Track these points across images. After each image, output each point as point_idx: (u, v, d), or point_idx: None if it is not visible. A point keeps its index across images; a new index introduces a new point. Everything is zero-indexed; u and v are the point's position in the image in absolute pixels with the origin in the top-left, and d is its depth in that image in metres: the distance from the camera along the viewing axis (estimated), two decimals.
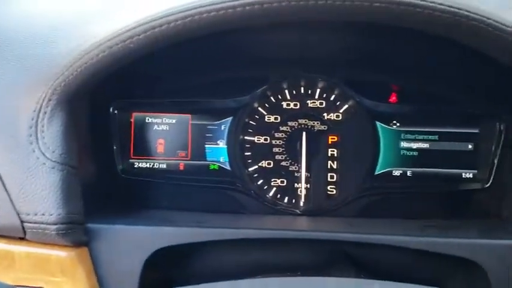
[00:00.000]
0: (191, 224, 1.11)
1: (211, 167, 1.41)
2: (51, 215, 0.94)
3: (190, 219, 1.20)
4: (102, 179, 1.27)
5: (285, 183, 1.40)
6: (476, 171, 1.37)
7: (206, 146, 1.41)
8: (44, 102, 0.97)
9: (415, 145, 1.38)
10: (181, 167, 1.41)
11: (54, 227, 0.94)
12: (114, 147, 1.36)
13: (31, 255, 0.99)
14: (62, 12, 1.07)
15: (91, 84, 0.99)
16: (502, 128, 1.32)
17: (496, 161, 1.33)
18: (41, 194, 0.95)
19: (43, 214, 0.95)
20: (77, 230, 0.99)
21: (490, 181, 1.34)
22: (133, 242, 1.03)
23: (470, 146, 1.37)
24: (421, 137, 1.38)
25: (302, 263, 1.16)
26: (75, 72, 0.95)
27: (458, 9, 0.87)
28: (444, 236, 1.08)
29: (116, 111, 1.35)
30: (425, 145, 1.38)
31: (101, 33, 0.94)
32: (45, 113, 0.97)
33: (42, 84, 0.97)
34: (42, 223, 0.95)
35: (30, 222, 0.95)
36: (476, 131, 1.37)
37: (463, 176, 1.38)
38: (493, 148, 1.33)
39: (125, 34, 0.90)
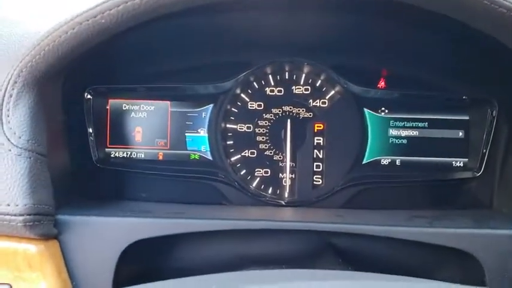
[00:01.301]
0: (169, 215, 1.05)
1: (192, 156, 1.35)
2: (16, 205, 0.87)
3: (169, 211, 1.13)
4: (76, 169, 1.20)
5: (269, 173, 1.35)
6: (467, 159, 1.34)
7: (186, 134, 1.35)
8: (10, 84, 0.90)
9: (404, 133, 1.34)
10: (160, 157, 1.35)
11: (21, 218, 0.87)
12: (89, 136, 1.29)
13: None
14: None
15: (62, 65, 0.92)
16: (493, 114, 1.28)
17: (487, 149, 1.29)
18: (6, 183, 0.88)
19: (8, 204, 0.87)
20: (45, 222, 0.92)
21: (482, 170, 1.30)
22: (108, 234, 0.97)
23: (460, 134, 1.34)
24: (410, 124, 1.34)
25: (287, 255, 1.10)
26: (43, 51, 0.88)
27: None
28: (434, 225, 1.04)
29: (91, 97, 1.29)
30: (415, 133, 1.34)
31: (70, 9, 0.87)
32: (10, 95, 0.90)
33: (7, 65, 0.90)
34: (7, 214, 0.87)
35: None
36: (466, 117, 1.34)
37: (454, 165, 1.34)
38: (484, 135, 1.30)
39: (96, 9, 0.84)
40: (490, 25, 0.86)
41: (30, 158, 0.90)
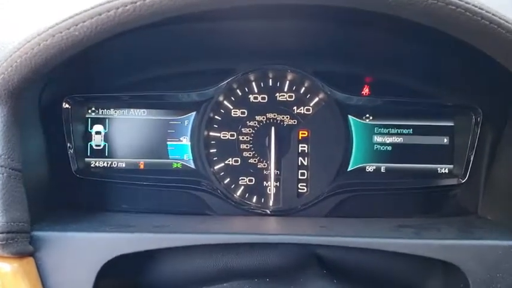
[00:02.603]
0: (149, 230, 1.02)
1: (174, 165, 1.33)
2: None
3: (149, 224, 1.11)
4: (54, 181, 1.17)
5: (253, 182, 1.33)
6: (452, 166, 1.33)
7: (168, 143, 1.33)
8: None
9: (388, 139, 1.33)
10: (142, 166, 1.33)
11: None
12: (68, 146, 1.26)
13: None
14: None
15: (36, 77, 0.89)
16: (478, 120, 1.27)
17: (472, 155, 1.28)
18: None
19: None
20: (20, 240, 0.88)
21: (467, 176, 1.29)
22: (86, 250, 0.94)
23: (445, 140, 1.33)
24: (394, 130, 1.33)
25: (271, 267, 1.08)
26: (15, 63, 0.85)
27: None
28: (420, 237, 1.03)
29: (69, 107, 1.25)
30: (399, 139, 1.33)
31: (43, 20, 0.84)
32: None
33: None
34: None
35: None
36: (451, 124, 1.33)
37: (439, 171, 1.33)
38: (469, 142, 1.28)
39: (69, 20, 0.80)
40: (473, 37, 0.84)
41: (2, 174, 0.87)
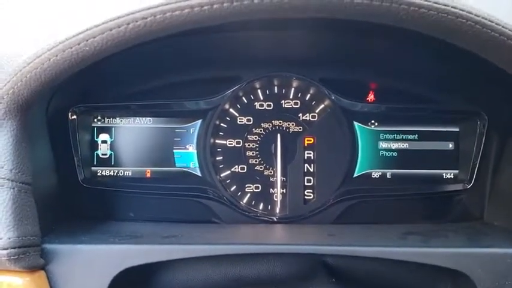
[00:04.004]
0: (158, 241, 1.02)
1: (181, 173, 1.32)
2: (0, 239, 0.84)
3: (158, 234, 1.11)
4: (61, 192, 1.17)
5: (259, 189, 1.33)
6: (457, 171, 1.33)
7: (174, 151, 1.33)
8: None
9: (394, 145, 1.33)
10: (148, 174, 1.33)
11: (5, 252, 0.84)
12: (75, 155, 1.26)
13: None
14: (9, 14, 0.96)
15: (45, 91, 0.89)
16: (483, 125, 1.27)
17: (477, 161, 1.28)
18: None
19: None
20: (31, 253, 0.88)
21: (472, 181, 1.29)
22: (96, 263, 0.94)
23: (450, 145, 1.33)
24: (400, 136, 1.33)
25: (279, 275, 1.08)
26: (25, 78, 0.85)
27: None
28: (428, 245, 1.03)
29: (75, 117, 1.25)
30: (405, 145, 1.33)
31: (52, 35, 0.84)
32: None
33: None
34: None
35: None
36: (456, 129, 1.33)
37: (444, 177, 1.33)
38: (475, 147, 1.29)
39: (79, 36, 0.80)
40: (480, 48, 0.85)
41: (13, 188, 0.87)
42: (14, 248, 0.85)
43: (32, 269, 0.90)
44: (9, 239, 0.84)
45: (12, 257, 0.85)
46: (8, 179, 0.87)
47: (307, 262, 1.08)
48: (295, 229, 1.25)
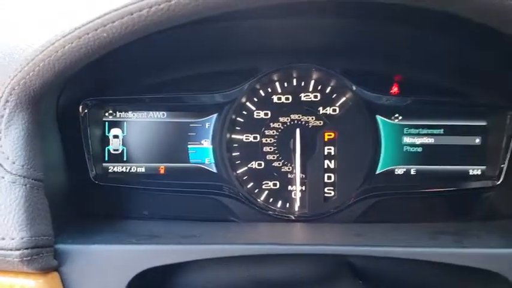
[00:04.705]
0: (177, 241, 0.97)
1: (195, 169, 1.27)
2: (12, 239, 0.79)
3: (175, 233, 1.06)
4: (72, 189, 1.12)
5: (277, 186, 1.28)
6: (484, 167, 1.27)
7: (189, 146, 1.27)
8: (0, 103, 0.81)
9: (418, 140, 1.28)
10: (162, 171, 1.28)
11: (17, 253, 0.80)
12: (86, 151, 1.21)
13: None
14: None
15: (58, 82, 0.84)
16: None
17: (506, 156, 1.23)
18: (0, 214, 0.80)
19: (3, 238, 0.80)
20: (45, 254, 0.84)
21: (501, 178, 1.24)
22: (113, 264, 0.89)
23: (477, 140, 1.27)
24: (425, 131, 1.27)
25: (302, 276, 1.04)
26: (37, 67, 0.79)
27: None
28: (461, 245, 0.97)
29: (86, 111, 1.20)
30: (430, 140, 1.28)
31: (68, 21, 0.79)
32: (1, 116, 0.82)
33: None
34: (2, 249, 0.80)
35: None
36: (483, 123, 1.27)
37: (471, 173, 1.28)
38: (504, 142, 1.23)
39: (97, 21, 0.75)
40: None
41: (25, 185, 0.82)
42: (27, 248, 0.80)
43: (45, 270, 0.85)
44: (22, 239, 0.79)
45: (25, 258, 0.80)
46: (19, 175, 0.82)
47: (332, 263, 1.03)
48: (317, 228, 1.20)
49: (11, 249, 0.79)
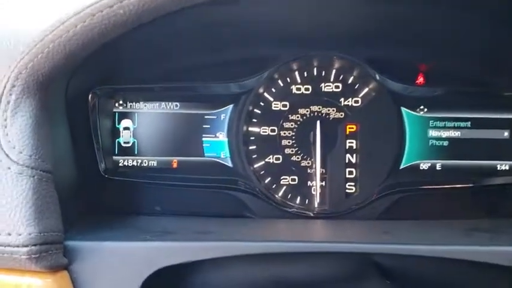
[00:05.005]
0: (194, 237, 0.91)
1: (210, 163, 1.22)
2: (19, 234, 0.74)
3: (190, 229, 1.01)
4: (81, 183, 1.06)
5: (296, 181, 1.22)
6: None
7: (204, 139, 1.22)
8: (6, 89, 0.76)
9: (444, 133, 1.22)
10: (175, 165, 1.22)
11: (25, 249, 0.74)
12: (95, 143, 1.15)
13: None
14: None
15: (68, 66, 0.78)
16: None
17: None
18: (6, 208, 0.74)
19: (9, 234, 0.74)
20: (54, 252, 0.78)
21: None
22: (126, 262, 0.84)
23: (506, 134, 1.22)
24: (451, 124, 1.22)
25: (324, 276, 0.98)
26: (46, 49, 0.74)
27: None
28: (498, 243, 0.91)
29: (96, 100, 1.15)
30: (456, 133, 1.22)
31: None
32: (8, 102, 0.76)
33: (2, 66, 0.76)
34: (9, 245, 0.74)
35: None
36: None
37: (499, 168, 1.22)
38: None
39: None
40: None
41: (33, 176, 0.76)
42: (35, 245, 0.74)
43: (54, 269, 0.80)
44: (30, 234, 0.74)
45: (33, 256, 0.74)
46: (27, 166, 0.76)
47: (356, 262, 0.97)
48: (339, 225, 1.14)
49: (17, 246, 0.74)
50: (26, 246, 0.73)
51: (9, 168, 0.75)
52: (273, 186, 1.22)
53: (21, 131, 0.76)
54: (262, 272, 0.97)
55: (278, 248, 0.86)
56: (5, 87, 0.75)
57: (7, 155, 0.75)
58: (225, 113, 1.21)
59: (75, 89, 1.04)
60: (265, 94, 1.21)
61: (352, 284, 0.97)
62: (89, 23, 0.71)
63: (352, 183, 1.21)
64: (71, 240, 0.83)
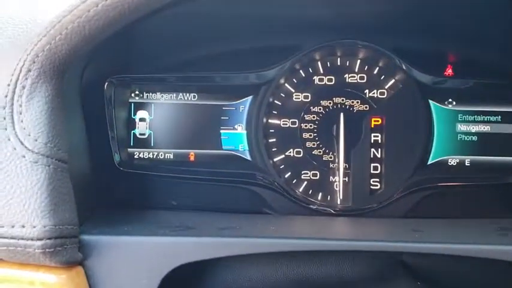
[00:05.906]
0: (217, 233, 0.87)
1: (228, 157, 1.18)
2: (33, 227, 0.70)
3: (211, 224, 0.96)
4: (95, 175, 1.02)
5: (317, 177, 1.18)
6: None
7: (222, 131, 1.18)
8: (22, 73, 0.72)
9: (474, 128, 1.17)
10: (192, 158, 1.18)
11: (39, 243, 0.70)
12: (110, 134, 1.12)
13: (8, 280, 0.76)
14: None
15: (87, 49, 0.73)
16: None
17: None
18: (20, 198, 0.71)
19: (22, 226, 0.70)
20: (69, 246, 0.74)
21: None
22: (145, 258, 0.80)
23: None
24: (481, 118, 1.17)
25: (350, 276, 0.93)
26: (65, 30, 0.70)
27: None
28: None
29: (112, 89, 1.11)
30: (486, 128, 1.17)
31: None
32: (23, 87, 0.73)
33: (18, 49, 0.72)
34: (22, 238, 0.70)
35: (6, 238, 0.71)
36: None
37: None
38: None
39: None
40: None
41: (49, 166, 0.72)
42: (50, 238, 0.71)
43: (69, 264, 0.76)
44: (45, 227, 0.70)
45: (47, 250, 0.70)
46: (42, 155, 0.72)
47: (384, 262, 0.92)
48: (364, 223, 1.09)
49: (32, 239, 0.70)
50: (41, 239, 0.69)
51: (23, 156, 0.71)
52: (294, 181, 1.17)
53: (36, 118, 0.73)
54: (285, 271, 0.93)
55: (306, 246, 0.82)
56: (20, 71, 0.72)
57: (22, 143, 0.71)
58: (244, 105, 1.17)
59: (91, 77, 1.00)
60: (286, 85, 1.17)
61: (380, 285, 0.93)
62: (111, 2, 0.67)
63: (377, 179, 1.16)
64: (87, 235, 0.79)
